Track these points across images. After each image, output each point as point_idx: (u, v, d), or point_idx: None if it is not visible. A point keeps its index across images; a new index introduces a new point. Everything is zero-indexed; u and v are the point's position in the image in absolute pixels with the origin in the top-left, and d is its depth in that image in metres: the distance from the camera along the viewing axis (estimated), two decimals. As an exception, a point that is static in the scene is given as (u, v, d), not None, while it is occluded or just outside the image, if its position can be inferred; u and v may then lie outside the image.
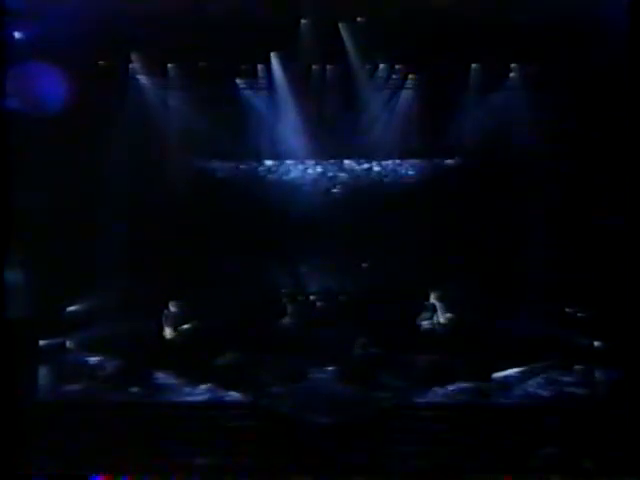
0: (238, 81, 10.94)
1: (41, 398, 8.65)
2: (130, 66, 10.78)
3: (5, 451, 6.94)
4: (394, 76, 10.93)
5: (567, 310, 10.15)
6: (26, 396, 8.32)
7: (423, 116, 10.87)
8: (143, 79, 10.87)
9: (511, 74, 10.77)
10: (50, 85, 9.02)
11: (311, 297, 10.89)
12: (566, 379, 8.90)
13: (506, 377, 8.84)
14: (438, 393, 8.46)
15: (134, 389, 8.61)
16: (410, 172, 11.52)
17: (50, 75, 8.98)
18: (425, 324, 9.90)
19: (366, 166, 11.58)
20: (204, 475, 6.88)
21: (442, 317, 9.92)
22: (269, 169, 11.48)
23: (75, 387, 8.87)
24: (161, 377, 8.93)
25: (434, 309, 9.98)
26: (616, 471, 6.82)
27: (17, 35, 8.57)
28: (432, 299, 10.06)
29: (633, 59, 8.50)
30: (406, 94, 10.99)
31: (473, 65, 10.64)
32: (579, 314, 10.06)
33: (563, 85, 10.31)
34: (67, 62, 9.31)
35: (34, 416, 7.68)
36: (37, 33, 8.71)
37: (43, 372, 9.12)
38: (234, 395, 8.42)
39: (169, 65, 10.81)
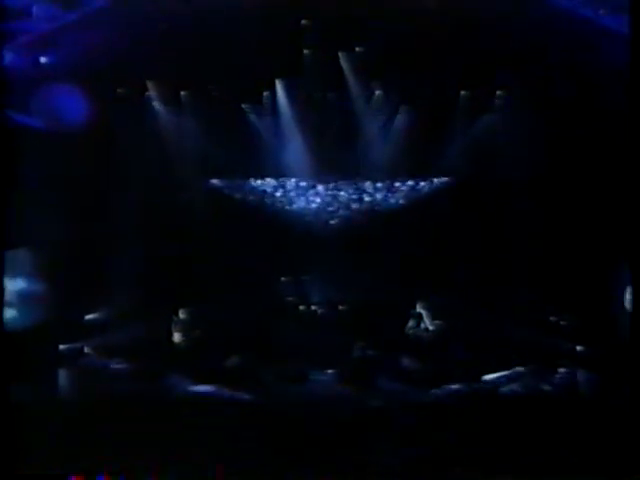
0: (244, 106, 10.99)
1: (60, 398, 8.63)
2: (146, 94, 10.85)
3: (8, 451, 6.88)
4: (389, 102, 10.95)
5: (551, 318, 10.16)
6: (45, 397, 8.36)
7: (415, 139, 10.83)
8: (157, 105, 10.95)
9: (496, 100, 10.79)
10: (72, 107, 9.14)
11: (312, 307, 10.85)
12: (550, 381, 8.86)
13: (495, 379, 8.84)
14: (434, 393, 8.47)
15: (144, 390, 8.59)
16: (402, 189, 11.46)
17: (72, 98, 9.12)
18: (416, 330, 9.93)
19: (362, 186, 11.51)
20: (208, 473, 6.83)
21: (430, 324, 9.96)
22: (274, 187, 11.45)
23: (90, 388, 8.85)
24: (170, 379, 8.89)
25: (421, 317, 10.00)
26: (600, 470, 6.79)
27: (42, 59, 8.70)
28: (419, 308, 10.07)
29: (618, 83, 8.71)
30: (400, 119, 11.01)
31: (462, 92, 10.73)
32: (562, 322, 10.09)
33: (543, 111, 10.35)
34: (88, 88, 9.44)
35: (50, 416, 7.61)
36: (61, 60, 8.84)
37: (62, 374, 9.16)
38: (238, 395, 8.38)
39: (181, 92, 10.89)
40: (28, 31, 8.52)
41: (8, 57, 8.51)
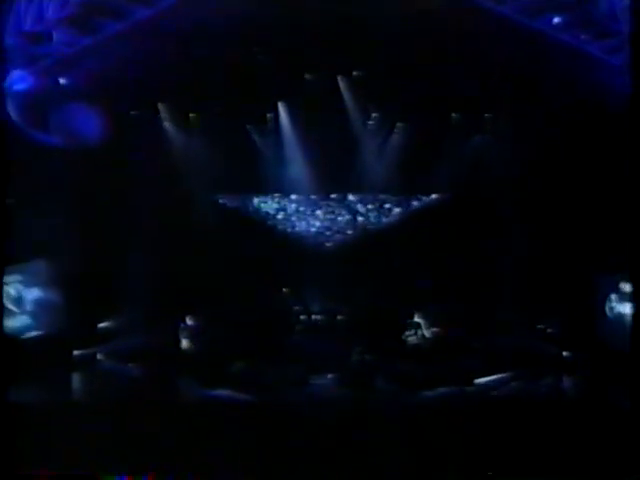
0: (249, 127, 11.08)
1: (74, 401, 8.65)
2: (157, 115, 10.96)
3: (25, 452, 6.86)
4: (385, 123, 11.06)
5: (538, 326, 10.23)
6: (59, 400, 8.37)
7: (410, 158, 10.95)
8: (168, 125, 11.04)
9: (484, 123, 10.97)
10: (88, 126, 9.15)
11: (313, 316, 10.80)
12: (538, 384, 8.90)
13: (487, 383, 8.84)
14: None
15: (153, 393, 8.55)
16: (397, 209, 11.53)
17: (89, 117, 9.14)
18: (412, 337, 9.94)
19: (359, 203, 11.57)
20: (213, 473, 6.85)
21: (427, 332, 10.01)
22: (278, 202, 11.51)
23: (102, 391, 8.88)
24: (178, 383, 8.89)
25: (419, 325, 10.03)
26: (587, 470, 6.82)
27: (62, 80, 8.75)
28: (416, 317, 10.10)
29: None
30: (395, 139, 11.11)
31: (453, 114, 10.86)
32: (548, 330, 10.15)
33: (529, 133, 10.42)
34: (104, 108, 9.46)
35: (64, 418, 7.56)
36: (79, 81, 8.86)
37: (76, 378, 9.19)
38: (243, 398, 8.40)
39: (190, 114, 11.01)
40: (49, 55, 8.54)
41: (30, 79, 8.59)
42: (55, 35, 8.27)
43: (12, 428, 6.95)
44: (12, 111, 8.63)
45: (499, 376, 8.93)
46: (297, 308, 10.81)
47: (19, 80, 8.55)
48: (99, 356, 9.79)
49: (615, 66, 8.29)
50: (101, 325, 10.37)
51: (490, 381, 8.85)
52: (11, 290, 9.40)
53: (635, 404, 6.86)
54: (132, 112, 10.60)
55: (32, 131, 8.77)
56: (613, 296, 9.75)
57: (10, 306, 9.38)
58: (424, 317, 10.14)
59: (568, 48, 8.34)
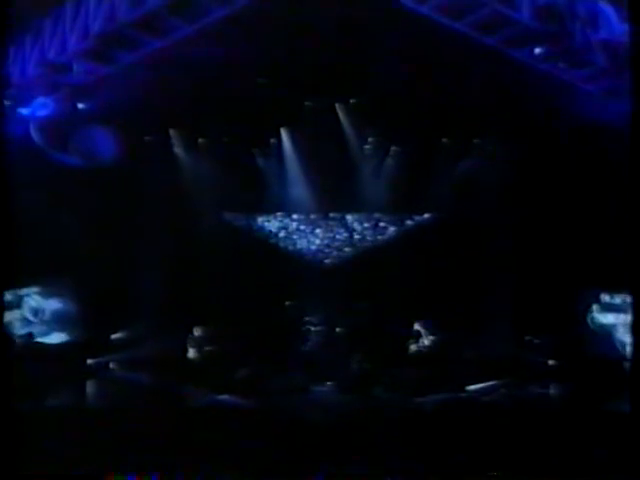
0: (254, 151, 11.12)
1: (87, 407, 8.71)
2: (169, 140, 11.06)
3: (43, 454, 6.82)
4: (380, 147, 11.12)
5: (526, 337, 10.23)
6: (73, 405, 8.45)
7: (403, 179, 11.01)
8: (179, 150, 11.14)
9: (473, 147, 11.06)
10: (105, 148, 9.25)
11: (314, 328, 10.79)
12: (527, 391, 8.97)
13: (479, 389, 8.92)
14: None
15: (162, 399, 8.54)
16: (392, 227, 11.51)
17: (105, 140, 9.24)
18: (412, 346, 10.10)
19: (356, 222, 11.54)
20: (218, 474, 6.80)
21: (426, 340, 10.14)
22: (280, 221, 11.49)
23: (114, 397, 8.93)
24: (185, 389, 8.88)
25: (419, 334, 10.17)
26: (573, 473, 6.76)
27: (80, 106, 8.79)
28: (417, 327, 10.25)
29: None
30: (390, 162, 11.17)
31: (443, 139, 10.94)
32: (535, 340, 10.17)
33: (514, 157, 10.51)
34: (119, 132, 9.56)
35: (78, 422, 7.60)
36: (96, 107, 8.90)
37: (90, 385, 9.19)
38: (247, 403, 8.45)
39: (199, 139, 11.10)
40: (69, 84, 8.65)
41: (51, 105, 8.73)
42: (75, 65, 8.38)
43: (27, 431, 6.90)
44: (35, 134, 8.79)
45: (490, 383, 8.99)
46: (299, 320, 10.78)
47: (42, 106, 8.70)
48: (112, 364, 9.80)
49: (590, 93, 8.44)
50: (114, 336, 10.39)
51: (481, 388, 8.91)
52: (30, 301, 9.61)
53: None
54: (146, 137, 10.68)
55: (53, 153, 8.88)
56: (594, 307, 9.92)
57: (29, 316, 9.58)
58: (419, 328, 10.24)
59: (548, 77, 8.43)
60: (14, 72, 8.50)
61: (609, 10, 7.76)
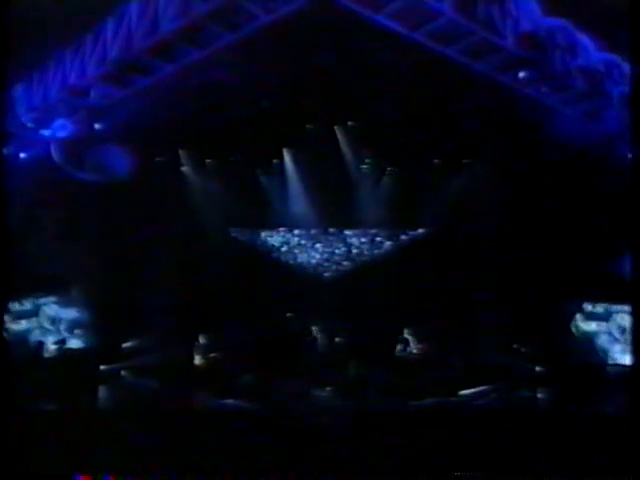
0: (258, 170, 11.32)
1: (100, 410, 8.73)
2: (179, 160, 11.29)
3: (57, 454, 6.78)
4: (376, 167, 11.31)
5: (514, 346, 10.25)
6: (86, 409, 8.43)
7: (398, 197, 11.15)
8: (187, 170, 11.37)
9: (463, 167, 11.25)
10: (119, 165, 9.29)
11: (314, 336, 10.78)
12: (515, 395, 8.97)
13: (470, 394, 8.94)
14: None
15: (170, 404, 8.48)
16: (388, 242, 11.65)
17: (120, 158, 9.28)
18: (407, 353, 10.13)
19: (354, 237, 11.67)
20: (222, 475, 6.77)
21: (421, 348, 10.15)
22: (283, 236, 11.62)
23: (124, 402, 8.94)
24: (191, 394, 8.88)
25: (407, 342, 10.18)
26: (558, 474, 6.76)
27: (97, 126, 8.87)
28: (406, 334, 10.26)
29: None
30: (385, 181, 11.34)
31: (435, 160, 11.16)
32: (523, 349, 10.18)
33: (500, 176, 10.75)
34: (133, 153, 9.59)
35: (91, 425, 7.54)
36: (112, 127, 8.97)
37: (102, 390, 9.15)
38: (250, 407, 8.45)
39: (207, 160, 11.31)
40: (87, 106, 8.74)
41: (70, 126, 8.83)
42: (93, 89, 8.47)
43: (40, 432, 6.97)
44: (55, 154, 8.91)
45: (481, 388, 9.01)
46: (300, 329, 10.77)
47: (61, 128, 8.82)
48: (123, 371, 9.78)
49: (571, 115, 8.58)
50: (125, 344, 10.42)
51: (472, 393, 8.93)
52: (48, 310, 9.71)
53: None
54: (157, 158, 10.86)
55: (71, 170, 8.96)
56: (578, 316, 10.07)
57: (46, 324, 9.66)
58: (413, 336, 10.24)
59: (532, 100, 8.54)
60: (37, 97, 8.67)
61: (586, 40, 7.91)
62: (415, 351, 10.11)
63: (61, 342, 9.86)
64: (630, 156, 8.97)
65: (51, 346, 9.73)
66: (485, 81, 8.32)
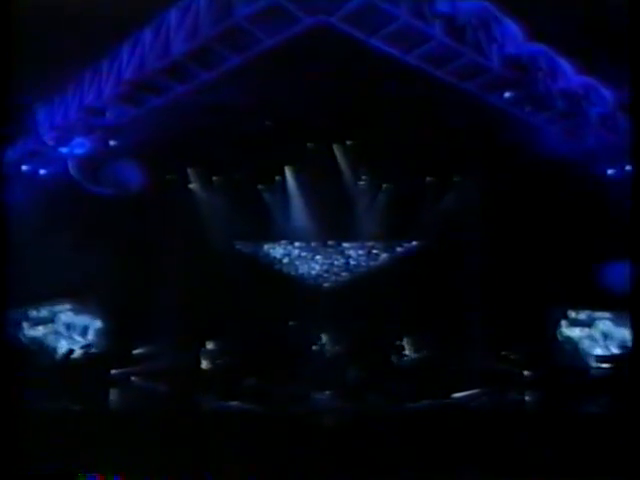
0: (261, 187, 11.36)
1: (110, 412, 8.73)
2: (187, 178, 11.38)
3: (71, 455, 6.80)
4: (373, 184, 11.29)
5: (502, 353, 10.34)
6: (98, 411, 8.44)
7: (393, 212, 11.20)
8: (195, 187, 11.44)
9: (453, 184, 11.33)
10: (132, 180, 9.39)
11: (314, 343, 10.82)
12: (504, 398, 9.09)
13: (463, 397, 9.00)
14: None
15: (178, 406, 8.56)
16: (384, 254, 11.62)
17: (132, 173, 9.37)
18: (402, 359, 10.24)
19: (352, 249, 11.62)
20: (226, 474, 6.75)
21: (415, 354, 10.27)
22: (284, 248, 11.57)
23: (135, 404, 9.09)
24: (198, 397, 8.92)
25: (404, 348, 10.31)
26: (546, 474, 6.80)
27: (111, 142, 9.04)
28: (406, 342, 10.39)
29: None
30: (381, 196, 11.36)
31: (428, 178, 11.24)
32: (511, 356, 10.25)
33: (488, 192, 10.81)
34: (145, 168, 9.68)
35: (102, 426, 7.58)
36: (125, 144, 9.13)
37: (113, 393, 9.22)
38: (253, 409, 8.50)
39: (213, 177, 11.40)
40: (103, 125, 8.90)
41: (87, 144, 9.03)
42: (109, 109, 8.61)
43: (51, 432, 7.00)
44: (72, 170, 9.09)
45: (473, 391, 9.08)
46: (301, 336, 10.80)
47: (79, 145, 9.00)
48: (133, 375, 9.85)
49: (553, 133, 8.76)
50: (136, 351, 10.41)
51: (465, 395, 8.99)
52: (63, 316, 9.78)
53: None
54: (167, 176, 10.98)
55: (87, 184, 9.12)
56: (562, 322, 10.15)
57: (62, 330, 9.71)
58: (409, 343, 10.39)
59: (517, 119, 8.69)
60: (58, 117, 8.82)
61: (565, 64, 8.12)
62: (410, 357, 10.19)
63: (87, 347, 9.96)
64: (609, 172, 9.31)
65: (78, 351, 9.84)
66: (473, 101, 8.47)
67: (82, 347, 9.96)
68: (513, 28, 7.59)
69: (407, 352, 10.31)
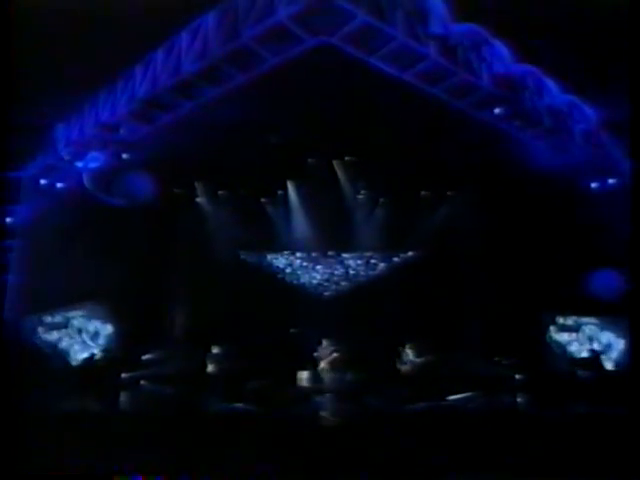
0: (264, 200, 11.49)
1: (120, 414, 8.72)
2: (194, 192, 11.53)
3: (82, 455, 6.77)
4: (371, 197, 11.44)
5: (495, 358, 10.33)
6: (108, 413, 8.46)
7: (390, 224, 11.33)
8: (202, 200, 11.58)
9: (447, 198, 11.50)
10: (143, 191, 9.37)
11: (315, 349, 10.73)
12: (497, 400, 9.00)
13: (458, 399, 8.99)
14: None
15: (185, 407, 8.51)
16: (382, 264, 11.73)
17: (143, 185, 9.36)
18: (399, 363, 10.20)
19: (351, 259, 11.72)
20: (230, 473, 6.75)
21: (412, 359, 10.23)
22: (286, 258, 11.65)
23: (143, 406, 8.94)
24: (204, 399, 8.89)
25: (400, 353, 10.28)
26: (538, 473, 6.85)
27: (124, 156, 9.11)
28: (399, 346, 10.35)
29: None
30: (379, 209, 11.50)
31: (422, 192, 11.41)
32: (504, 361, 10.23)
33: (481, 205, 10.97)
34: (155, 182, 9.64)
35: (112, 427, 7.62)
36: (137, 158, 9.19)
37: (123, 396, 9.17)
38: (257, 411, 8.49)
39: (219, 191, 11.53)
40: (116, 140, 8.99)
41: (101, 158, 9.09)
42: (122, 125, 8.71)
43: (63, 433, 7.08)
44: (87, 182, 9.13)
45: (467, 394, 9.07)
46: (302, 343, 10.69)
47: (93, 159, 9.06)
48: (142, 379, 9.76)
49: (540, 148, 8.85)
50: (145, 356, 10.40)
51: (460, 398, 8.99)
52: (76, 322, 9.77)
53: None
54: (175, 190, 11.14)
55: (100, 196, 9.16)
56: (551, 328, 10.17)
57: (74, 335, 9.73)
58: (406, 349, 10.35)
59: (506, 135, 8.83)
60: (74, 133, 8.90)
61: (551, 83, 8.25)
62: (407, 361, 10.17)
63: (105, 351, 9.98)
64: (592, 185, 9.41)
65: (98, 354, 9.83)
66: (465, 118, 8.57)
67: (102, 351, 9.90)
68: (502, 49, 7.74)
69: (404, 357, 10.28)
